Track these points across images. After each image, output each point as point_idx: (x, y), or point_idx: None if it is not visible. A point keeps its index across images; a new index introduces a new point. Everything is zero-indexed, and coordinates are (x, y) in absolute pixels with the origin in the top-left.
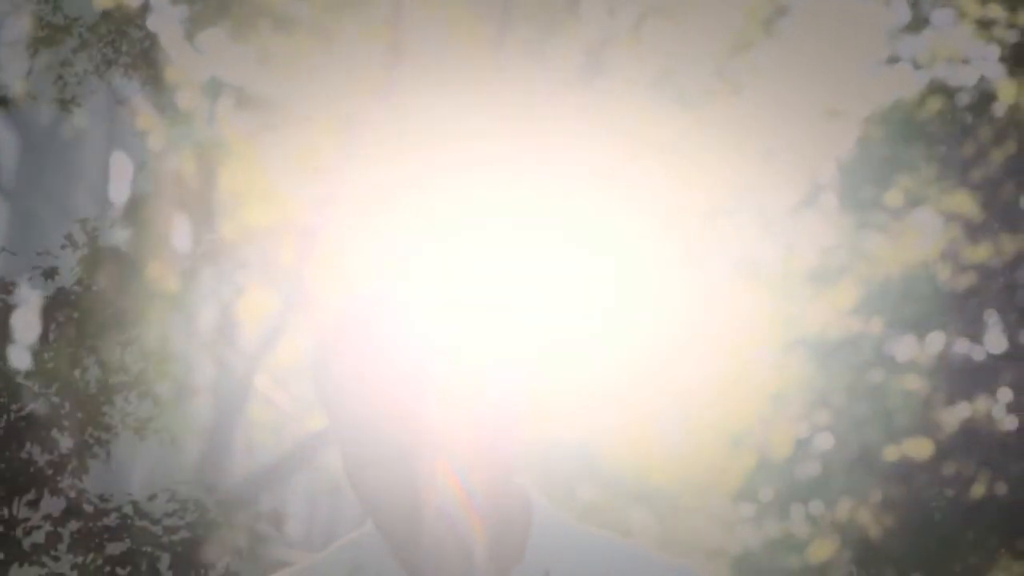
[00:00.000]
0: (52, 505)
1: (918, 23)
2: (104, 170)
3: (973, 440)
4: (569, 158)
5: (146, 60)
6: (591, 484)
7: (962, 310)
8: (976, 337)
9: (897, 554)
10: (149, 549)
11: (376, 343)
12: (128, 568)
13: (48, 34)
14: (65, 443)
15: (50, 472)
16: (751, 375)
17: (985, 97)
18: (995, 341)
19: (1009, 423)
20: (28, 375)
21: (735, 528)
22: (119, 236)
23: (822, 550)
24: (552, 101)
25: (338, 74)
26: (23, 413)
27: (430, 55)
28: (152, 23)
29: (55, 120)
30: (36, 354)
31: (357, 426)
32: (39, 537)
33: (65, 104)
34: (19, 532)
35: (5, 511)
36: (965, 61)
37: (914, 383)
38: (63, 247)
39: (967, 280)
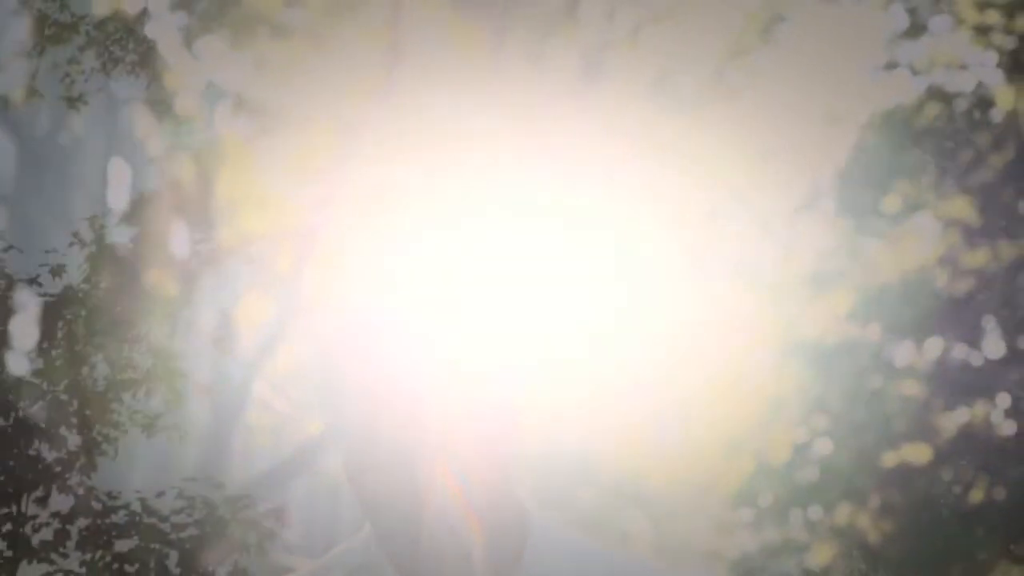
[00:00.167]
0: (60, 502)
1: (916, 29)
2: (102, 176)
3: (972, 445)
4: (567, 161)
5: (148, 63)
6: (589, 488)
7: (960, 315)
8: (974, 342)
9: (896, 559)
10: (157, 546)
11: (375, 348)
12: (136, 565)
13: (55, 32)
14: (73, 440)
15: (58, 469)
16: (749, 380)
17: (983, 103)
18: (993, 346)
19: (1007, 428)
20: (37, 372)
21: (733, 533)
22: (126, 234)
23: (821, 555)
24: (551, 104)
25: (336, 78)
26: (32, 410)
27: (428, 58)
28: (150, 30)
29: (54, 126)
30: (44, 352)
31: (358, 430)
32: (47, 534)
33: (72, 102)
34: (28, 529)
35: (14, 508)
36: (963, 67)
37: (912, 388)
38: (71, 245)
39: (965, 285)
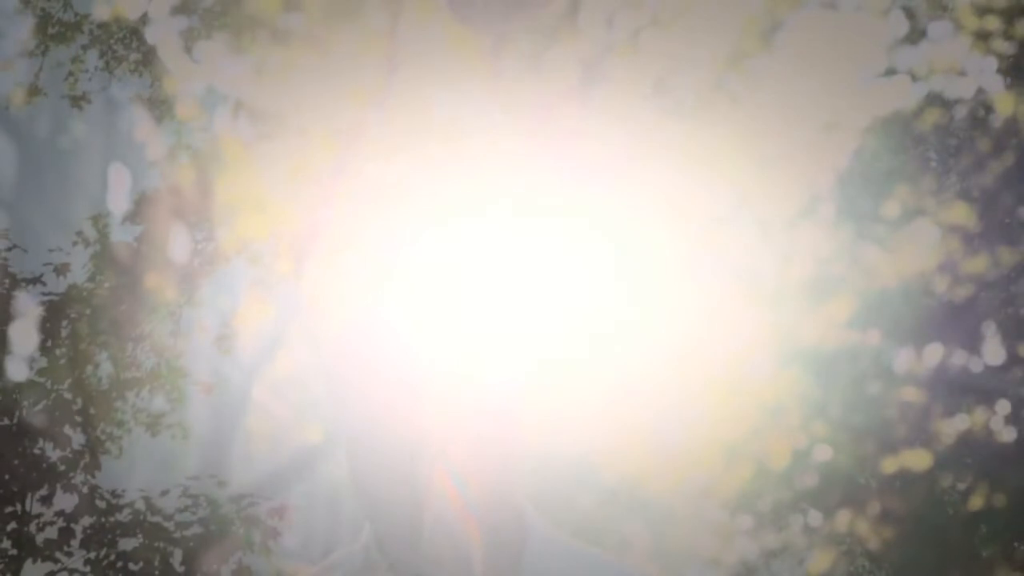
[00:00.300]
0: (65, 501)
1: (916, 35)
2: (102, 180)
3: (971, 451)
4: (567, 166)
5: (151, 61)
6: (587, 493)
7: (960, 322)
8: (974, 349)
9: (896, 564)
10: (161, 545)
11: (375, 352)
12: (140, 564)
13: (59, 31)
14: (77, 439)
15: (62, 468)
16: (748, 385)
17: (983, 109)
18: (994, 352)
19: (1007, 434)
20: (41, 371)
21: (732, 539)
22: (130, 233)
23: (821, 561)
24: (550, 109)
25: (335, 83)
26: (36, 409)
27: (427, 64)
28: (150, 34)
29: (53, 130)
30: (48, 350)
31: (358, 433)
32: (52, 533)
33: (75, 100)
34: (32, 528)
35: (18, 507)
36: (962, 73)
37: (912, 394)
38: (74, 244)
39: (965, 291)
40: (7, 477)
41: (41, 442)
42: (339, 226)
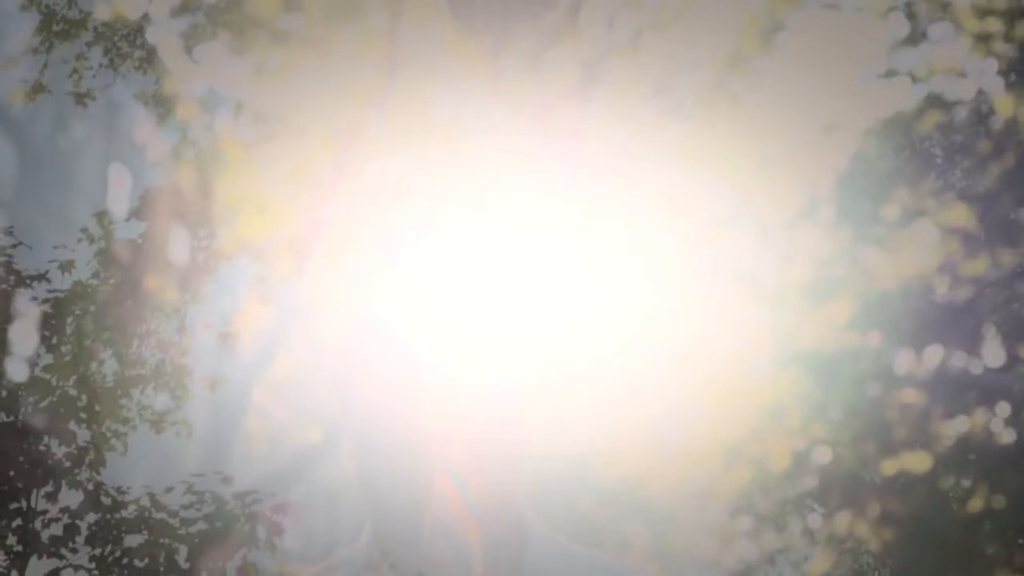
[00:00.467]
0: (70, 498)
1: (916, 37)
2: (102, 180)
3: (971, 453)
4: (567, 168)
5: (154, 59)
6: (587, 495)
7: (960, 323)
8: (974, 350)
9: (895, 566)
10: (166, 541)
11: (377, 354)
12: (146, 560)
13: (63, 28)
14: (82, 436)
15: (68, 465)
16: (748, 387)
17: (983, 110)
18: (993, 354)
19: (1007, 436)
20: (46, 368)
21: (732, 540)
22: (134, 230)
23: (820, 563)
24: (549, 111)
25: (336, 83)
26: (41, 406)
27: (427, 65)
28: (151, 35)
29: (53, 131)
30: (53, 347)
31: (360, 436)
32: (57, 529)
33: (80, 98)
34: (37, 524)
35: (24, 504)
36: (962, 75)
37: (912, 396)
38: (79, 241)
39: (965, 293)
40: (12, 474)
41: (46, 439)
42: (340, 226)
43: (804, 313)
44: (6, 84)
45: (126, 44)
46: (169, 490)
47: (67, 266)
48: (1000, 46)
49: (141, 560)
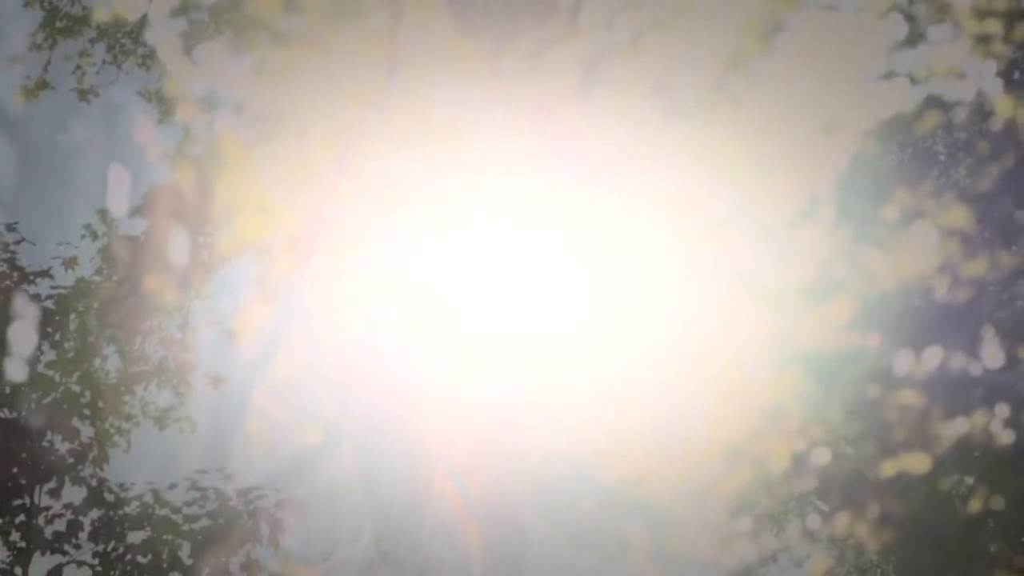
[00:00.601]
0: (73, 494)
1: (915, 38)
2: (102, 181)
3: (971, 454)
4: (566, 168)
5: (156, 56)
6: (587, 496)
7: (959, 324)
8: (973, 352)
9: (894, 568)
10: (170, 538)
11: (377, 355)
12: (149, 556)
13: (67, 24)
14: (86, 432)
15: (71, 461)
16: (748, 387)
17: (982, 112)
18: (993, 356)
19: (1007, 437)
20: (50, 364)
21: (732, 541)
22: (137, 227)
23: (820, 565)
24: (549, 111)
25: (335, 84)
26: (44, 402)
27: (427, 65)
28: (150, 36)
29: (53, 132)
30: (57, 344)
31: (363, 433)
32: (60, 526)
33: (83, 94)
34: (41, 521)
35: (27, 500)
36: (962, 76)
37: (911, 397)
38: (83, 237)
39: (964, 294)
40: (15, 470)
41: (50, 435)
42: (340, 226)
43: (804, 313)
44: (6, 84)
45: (129, 40)
46: (172, 486)
47: (70, 263)
48: (999, 47)
49: (144, 556)
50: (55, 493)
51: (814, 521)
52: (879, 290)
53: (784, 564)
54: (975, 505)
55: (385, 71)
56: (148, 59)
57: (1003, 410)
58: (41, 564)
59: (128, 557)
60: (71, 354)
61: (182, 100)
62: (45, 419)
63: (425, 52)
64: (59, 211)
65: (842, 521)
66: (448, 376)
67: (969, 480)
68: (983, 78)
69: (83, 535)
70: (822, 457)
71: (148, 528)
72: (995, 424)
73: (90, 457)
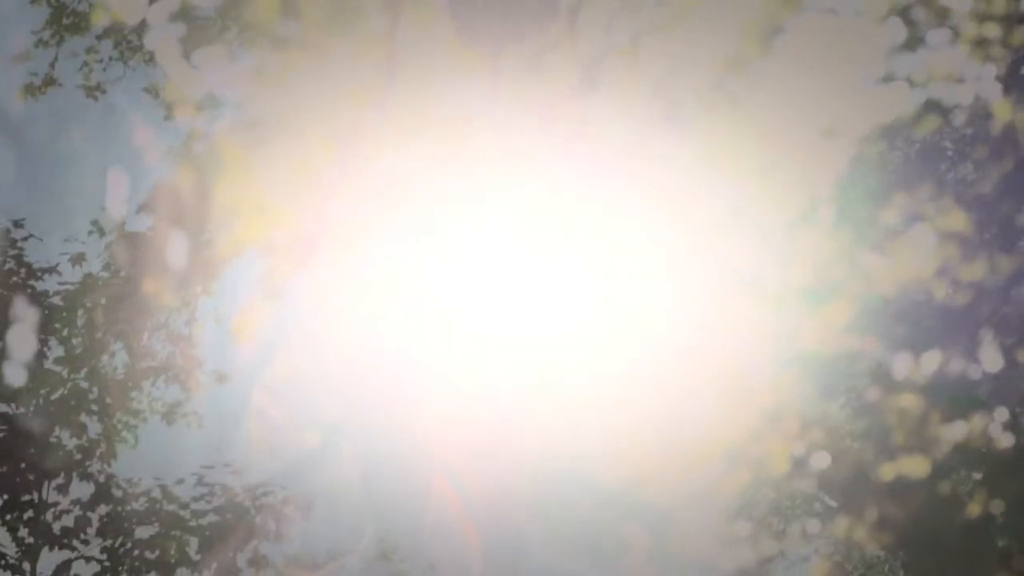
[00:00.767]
0: (81, 489)
1: (914, 42)
2: (101, 183)
3: (970, 458)
4: (566, 170)
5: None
6: (587, 497)
7: (958, 328)
8: (972, 355)
9: (894, 572)
10: (178, 533)
11: (377, 355)
12: (157, 552)
13: (74, 21)
14: (94, 428)
15: (79, 456)
16: (747, 390)
17: (981, 116)
18: (992, 359)
19: (1006, 441)
20: (57, 360)
21: (731, 544)
22: (144, 223)
23: (819, 567)
24: (549, 112)
25: (334, 88)
26: (52, 398)
27: (426, 68)
28: (149, 40)
29: (52, 136)
30: (65, 339)
31: (363, 434)
32: (68, 521)
33: (91, 91)
34: (49, 516)
35: (35, 496)
36: (960, 80)
37: (910, 401)
38: (90, 234)
39: (963, 298)
40: (23, 466)
41: (57, 430)
42: (340, 226)
43: (803, 315)
44: (7, 84)
45: (136, 37)
46: (180, 482)
47: (78, 259)
48: (998, 51)
49: (152, 552)
50: (63, 489)
51: (814, 526)
52: (878, 292)
53: (792, 560)
54: (974, 508)
55: (385, 72)
56: (154, 56)
57: (1002, 413)
58: (49, 559)
59: (136, 552)
60: (79, 350)
61: (184, 101)
62: (53, 415)
63: (425, 53)
64: (60, 210)
65: (841, 523)
66: (448, 377)
67: (969, 483)
68: (982, 82)
69: (91, 530)
70: (822, 460)
71: (156, 523)
72: (994, 427)
73: (98, 453)
